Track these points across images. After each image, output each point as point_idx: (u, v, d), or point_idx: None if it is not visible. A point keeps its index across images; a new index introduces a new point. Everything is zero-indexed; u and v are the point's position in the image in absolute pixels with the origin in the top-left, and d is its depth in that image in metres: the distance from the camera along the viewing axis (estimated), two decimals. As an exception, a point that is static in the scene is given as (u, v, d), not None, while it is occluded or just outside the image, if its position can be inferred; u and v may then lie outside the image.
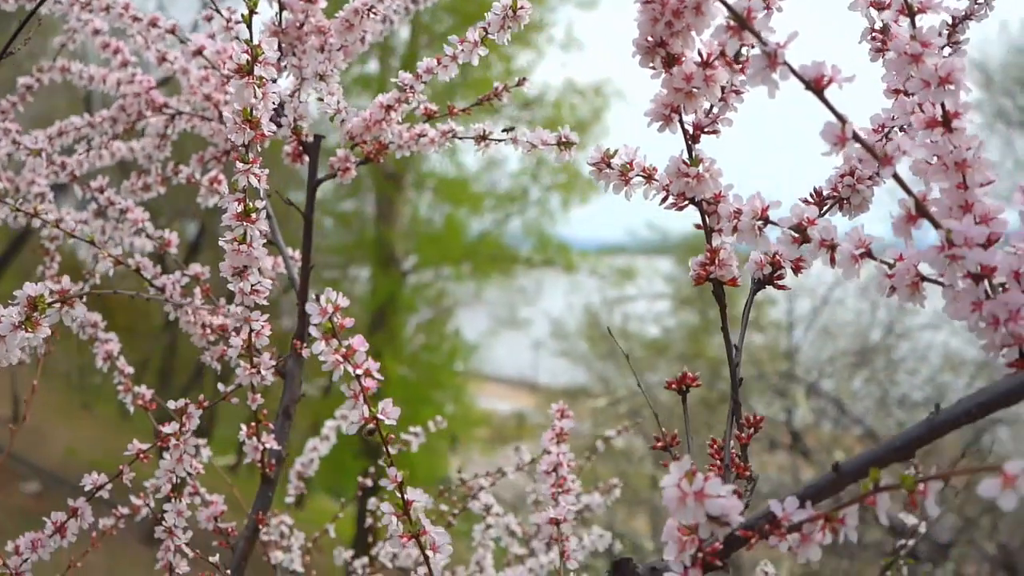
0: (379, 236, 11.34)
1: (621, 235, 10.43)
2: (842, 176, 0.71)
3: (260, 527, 1.02)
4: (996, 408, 0.51)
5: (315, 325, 0.64)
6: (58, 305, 0.68)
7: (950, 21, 0.77)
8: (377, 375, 0.65)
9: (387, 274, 11.23)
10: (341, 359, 0.64)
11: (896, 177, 0.53)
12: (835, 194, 0.71)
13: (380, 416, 0.66)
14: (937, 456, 6.36)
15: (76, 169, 1.18)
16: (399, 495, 0.67)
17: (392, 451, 0.66)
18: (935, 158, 0.57)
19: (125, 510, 1.17)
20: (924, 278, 0.57)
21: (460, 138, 1.00)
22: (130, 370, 1.12)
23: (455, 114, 1.01)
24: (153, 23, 1.13)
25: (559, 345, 11.77)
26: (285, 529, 1.35)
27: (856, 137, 0.52)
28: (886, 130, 0.72)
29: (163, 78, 1.33)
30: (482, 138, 0.99)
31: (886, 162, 0.52)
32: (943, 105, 0.55)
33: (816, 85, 0.52)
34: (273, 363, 0.94)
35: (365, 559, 1.38)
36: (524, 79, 1.03)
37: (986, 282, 0.55)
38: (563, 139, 0.85)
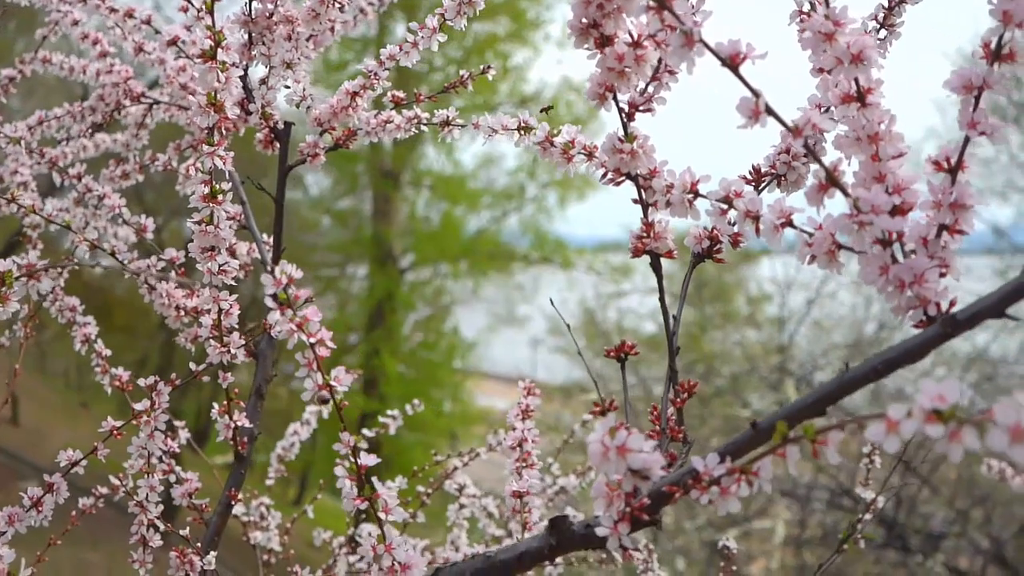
0: (376, 234, 11.37)
1: (618, 232, 10.45)
2: (779, 154, 0.74)
3: (233, 503, 1.05)
4: (900, 365, 0.54)
5: (270, 296, 0.67)
6: (25, 279, 0.71)
7: (887, 4, 0.80)
8: (330, 344, 0.68)
9: (385, 272, 11.26)
10: (295, 328, 0.67)
11: (807, 147, 0.56)
12: (772, 171, 0.74)
13: (333, 383, 0.69)
14: (926, 448, 6.39)
15: (61, 160, 1.22)
16: (352, 460, 0.71)
17: (342, 416, 0.69)
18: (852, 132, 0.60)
19: (104, 489, 1.21)
20: (840, 246, 0.60)
21: (426, 124, 1.03)
22: (107, 352, 1.15)
23: (420, 101, 1.04)
24: (129, 14, 1.16)
25: (557, 342, 11.80)
26: (264, 510, 1.38)
27: (769, 110, 0.55)
28: (823, 109, 0.75)
29: (154, 80, 1.36)
30: (445, 124, 1.02)
31: (797, 134, 0.55)
32: (857, 81, 0.58)
33: (732, 62, 0.55)
34: (243, 342, 0.97)
35: (342, 538, 1.41)
36: (489, 67, 1.06)
37: (898, 247, 0.58)
38: (522, 124, 0.88)
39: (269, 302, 0.67)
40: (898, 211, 0.58)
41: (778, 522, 5.71)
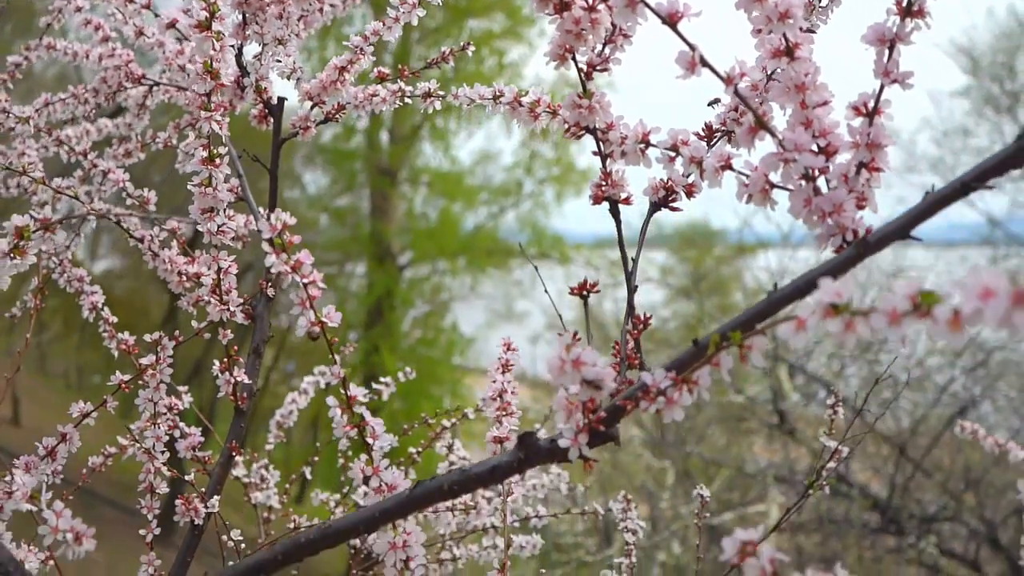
0: (375, 232, 11.43)
1: (610, 226, 10.50)
2: (728, 111, 0.81)
3: (233, 454, 1.12)
4: (822, 284, 0.61)
5: (266, 240, 0.74)
6: (41, 232, 0.78)
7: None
8: (321, 284, 0.75)
9: (383, 269, 11.33)
10: (290, 270, 0.75)
11: (737, 94, 0.63)
12: (723, 127, 0.81)
13: (324, 319, 0.76)
14: (925, 434, 6.44)
15: (67, 141, 1.29)
16: (343, 391, 0.78)
17: (332, 349, 0.77)
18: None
19: (112, 449, 1.28)
20: (773, 185, 0.67)
21: (409, 96, 1.10)
22: (114, 319, 1.22)
23: (405, 76, 1.11)
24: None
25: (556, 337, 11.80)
26: (264, 472, 1.45)
27: (703, 62, 0.62)
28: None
29: (162, 72, 1.42)
30: (428, 95, 1.09)
31: (728, 82, 0.63)
32: (785, 36, 0.66)
33: (671, 19, 0.62)
34: (241, 300, 1.04)
35: (338, 495, 1.48)
36: (468, 44, 1.13)
37: (824, 184, 0.65)
38: (496, 93, 0.95)
39: (266, 246, 0.74)
40: (824, 152, 0.65)
41: (772, 506, 5.79)
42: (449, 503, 1.26)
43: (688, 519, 4.92)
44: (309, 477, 1.52)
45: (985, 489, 6.16)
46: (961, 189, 0.57)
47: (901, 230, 0.59)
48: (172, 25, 1.17)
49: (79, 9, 1.31)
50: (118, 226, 1.12)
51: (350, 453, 1.53)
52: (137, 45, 1.27)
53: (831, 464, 1.19)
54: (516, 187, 12.46)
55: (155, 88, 1.34)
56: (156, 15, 1.22)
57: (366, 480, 0.77)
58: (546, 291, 1.13)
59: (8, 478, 0.78)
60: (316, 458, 1.57)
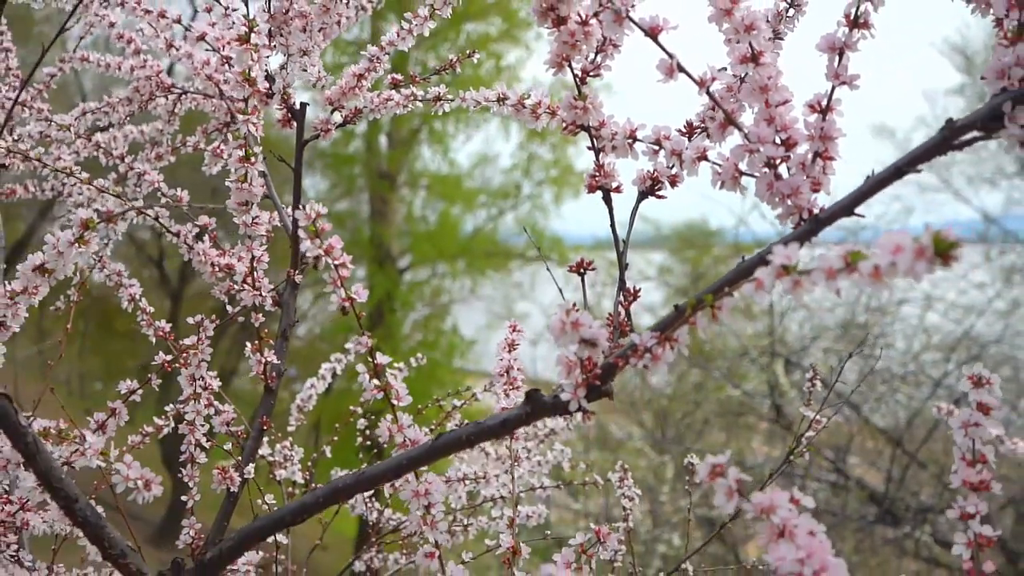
0: (374, 235, 11.53)
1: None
2: (706, 110, 0.92)
3: (264, 428, 1.23)
4: (782, 255, 0.72)
5: (302, 227, 0.85)
6: (104, 223, 0.89)
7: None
8: (349, 265, 0.86)
9: (383, 272, 11.42)
10: (323, 253, 0.86)
11: (709, 95, 0.74)
12: (701, 124, 0.92)
13: (353, 295, 0.87)
14: (920, 427, 6.53)
15: (105, 144, 1.40)
16: (371, 359, 0.89)
17: (359, 317, 0.88)
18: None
19: (149, 428, 1.39)
20: (741, 172, 0.78)
21: (420, 100, 1.22)
22: (151, 309, 1.33)
23: (416, 82, 1.23)
24: (162, 15, 1.34)
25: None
26: (287, 451, 1.56)
27: (680, 68, 0.74)
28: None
29: (186, 79, 1.53)
30: (438, 99, 1.20)
31: (702, 84, 0.74)
32: (751, 45, 0.77)
33: (653, 32, 0.74)
34: (272, 287, 1.15)
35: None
36: (473, 51, 1.24)
37: (785, 171, 0.76)
38: (501, 96, 1.06)
39: (302, 233, 0.85)
40: (784, 144, 0.76)
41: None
42: (462, 474, 1.37)
43: (686, 511, 5.02)
44: (329, 455, 1.63)
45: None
46: (895, 173, 0.68)
47: (846, 208, 0.70)
48: (202, 38, 1.28)
49: (112, 24, 1.42)
50: (156, 221, 1.23)
51: (368, 432, 1.64)
52: (167, 56, 1.38)
53: (809, 433, 1.30)
54: (515, 189, 12.57)
55: (183, 96, 1.45)
56: (187, 29, 1.33)
57: (391, 437, 0.88)
58: (554, 280, 1.24)
59: (79, 437, 0.88)
60: (335, 438, 1.67)
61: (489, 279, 12.75)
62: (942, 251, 0.50)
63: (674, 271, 11.99)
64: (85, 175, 1.19)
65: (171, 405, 1.29)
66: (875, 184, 0.69)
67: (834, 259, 0.57)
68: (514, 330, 1.23)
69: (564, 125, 0.87)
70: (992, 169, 9.31)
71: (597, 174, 0.86)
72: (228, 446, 1.19)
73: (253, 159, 1.00)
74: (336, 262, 0.86)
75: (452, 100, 1.18)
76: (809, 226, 0.70)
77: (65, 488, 0.79)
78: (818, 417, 1.30)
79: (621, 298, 0.85)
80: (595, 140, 0.86)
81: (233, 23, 1.26)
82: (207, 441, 1.14)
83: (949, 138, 0.67)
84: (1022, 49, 0.65)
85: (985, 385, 0.77)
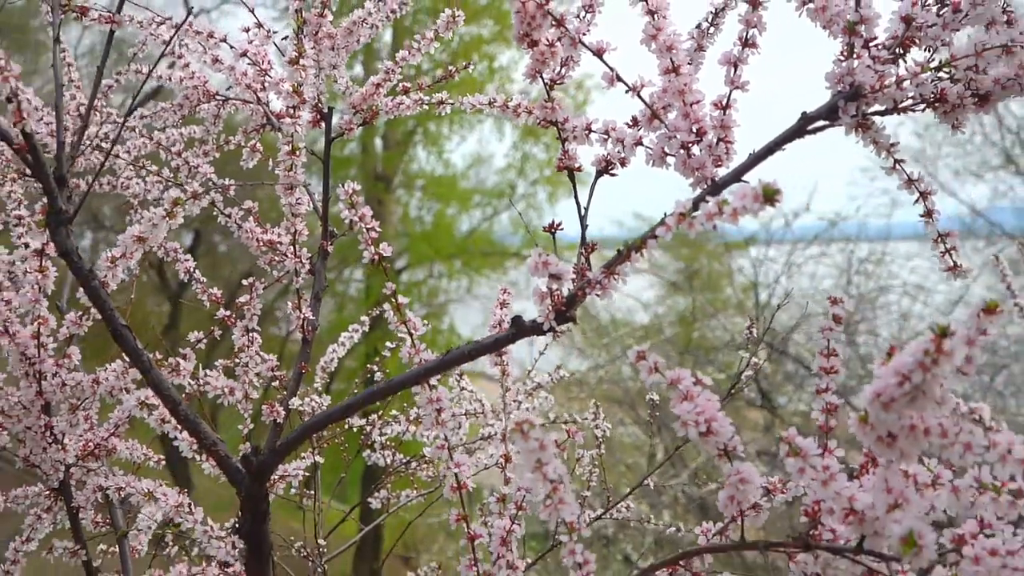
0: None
1: (609, 226, 10.93)
2: (644, 108, 1.21)
3: (303, 372, 1.51)
4: (717, 192, 1.00)
5: (341, 200, 1.13)
6: (192, 200, 1.18)
7: (714, 11, 1.26)
8: (378, 229, 1.15)
9: (380, 273, 11.69)
10: (357, 220, 1.14)
11: (640, 97, 1.03)
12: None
13: (381, 251, 1.15)
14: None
15: (164, 141, 1.68)
16: (394, 300, 1.17)
17: (387, 271, 1.16)
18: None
19: (221, 362, 1.67)
20: (666, 153, 1.06)
21: (427, 104, 1.50)
22: (203, 279, 1.61)
23: (423, 88, 1.51)
24: (210, 35, 1.62)
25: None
26: (314, 403, 1.85)
27: (619, 78, 1.02)
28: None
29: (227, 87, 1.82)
30: (441, 102, 1.49)
31: (634, 90, 1.02)
32: (671, 60, 1.05)
33: (598, 52, 1.02)
34: (310, 255, 1.43)
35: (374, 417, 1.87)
36: (469, 63, 1.53)
37: (697, 151, 1.05)
38: (492, 100, 1.34)
39: (341, 204, 1.14)
40: (696, 132, 1.04)
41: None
42: (463, 409, 1.65)
43: (676, 488, 5.33)
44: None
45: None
46: (767, 151, 0.96)
47: (734, 177, 0.99)
48: (244, 54, 1.56)
49: (166, 43, 1.70)
50: (213, 205, 1.51)
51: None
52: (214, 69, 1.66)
53: (748, 373, 1.58)
54: (509, 189, 12.83)
55: (226, 103, 1.73)
56: (231, 47, 1.61)
57: (411, 358, 1.16)
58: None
59: (175, 363, 1.17)
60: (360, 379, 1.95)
61: (485, 278, 13.00)
62: (768, 196, 0.78)
63: (668, 268, 12.27)
64: (154, 167, 1.47)
65: (218, 361, 1.57)
66: (753, 160, 0.97)
67: (711, 207, 0.85)
68: (504, 292, 1.52)
69: (538, 120, 1.15)
70: (978, 162, 9.60)
71: (563, 157, 1.15)
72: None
73: (298, 152, 1.29)
74: (367, 226, 1.14)
75: (453, 103, 1.47)
76: (710, 190, 0.99)
77: (172, 395, 1.07)
78: (754, 360, 1.58)
79: (583, 249, 1.14)
80: (561, 132, 1.15)
81: (263, 41, 1.55)
82: (255, 385, 1.42)
83: (803, 125, 0.96)
84: (850, 64, 0.94)
85: (839, 304, 1.06)
